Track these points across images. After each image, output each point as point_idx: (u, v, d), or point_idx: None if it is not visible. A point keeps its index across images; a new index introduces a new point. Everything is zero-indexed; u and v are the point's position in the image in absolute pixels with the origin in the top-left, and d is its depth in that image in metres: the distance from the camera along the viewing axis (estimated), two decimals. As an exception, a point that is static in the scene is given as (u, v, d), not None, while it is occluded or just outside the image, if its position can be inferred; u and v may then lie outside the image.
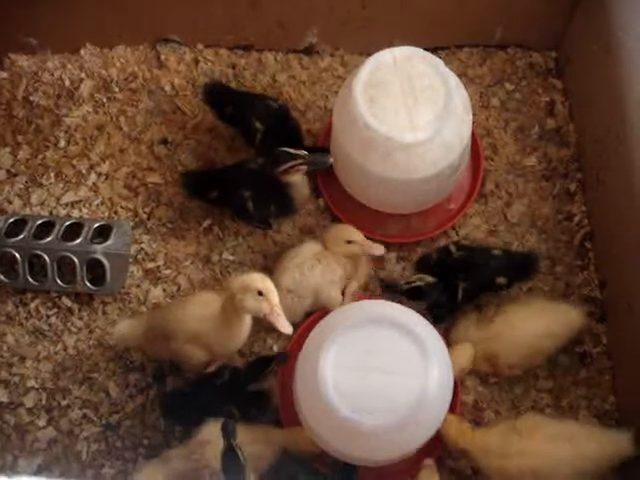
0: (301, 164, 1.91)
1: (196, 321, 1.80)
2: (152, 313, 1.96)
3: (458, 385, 1.83)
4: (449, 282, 1.90)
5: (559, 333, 1.87)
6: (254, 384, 1.80)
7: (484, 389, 1.93)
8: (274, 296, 1.72)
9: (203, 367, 1.86)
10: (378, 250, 1.92)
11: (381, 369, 1.64)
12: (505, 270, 1.92)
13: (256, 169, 1.97)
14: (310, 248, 1.95)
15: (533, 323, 1.86)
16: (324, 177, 2.08)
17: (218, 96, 2.12)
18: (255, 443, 1.72)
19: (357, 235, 1.92)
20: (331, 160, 1.95)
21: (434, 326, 1.74)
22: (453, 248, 1.93)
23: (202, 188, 2.06)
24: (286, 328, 1.72)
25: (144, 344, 1.88)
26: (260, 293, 1.71)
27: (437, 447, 1.79)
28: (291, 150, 1.92)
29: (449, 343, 1.88)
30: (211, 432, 1.69)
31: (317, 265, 1.92)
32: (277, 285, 1.78)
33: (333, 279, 1.93)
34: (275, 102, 2.09)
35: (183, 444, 1.74)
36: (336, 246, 1.93)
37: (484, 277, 1.91)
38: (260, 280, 1.73)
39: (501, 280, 1.91)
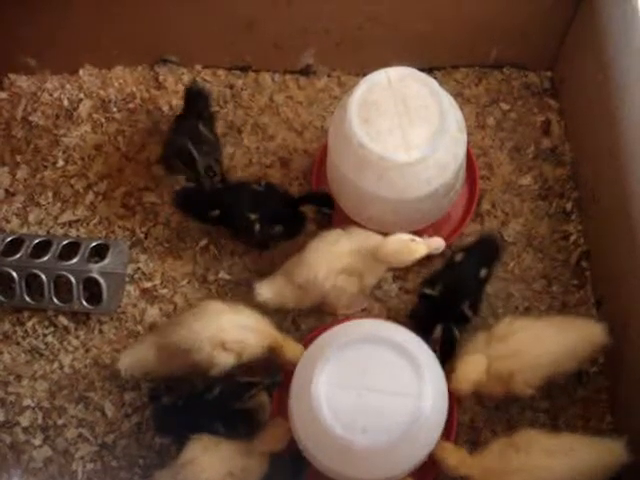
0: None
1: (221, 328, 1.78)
2: (159, 334, 1.91)
3: (454, 404, 1.83)
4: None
5: (581, 351, 1.82)
6: (239, 404, 1.77)
7: (480, 408, 1.93)
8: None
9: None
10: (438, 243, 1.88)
11: (375, 388, 1.64)
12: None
13: (262, 192, 1.97)
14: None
15: (554, 340, 1.79)
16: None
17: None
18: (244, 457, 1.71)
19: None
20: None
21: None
22: (459, 257, 1.92)
23: (201, 207, 2.05)
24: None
25: (157, 366, 1.86)
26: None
27: (432, 468, 1.78)
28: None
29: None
30: (193, 452, 1.69)
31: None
32: None
33: None
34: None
35: (170, 466, 1.73)
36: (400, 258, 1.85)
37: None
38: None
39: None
